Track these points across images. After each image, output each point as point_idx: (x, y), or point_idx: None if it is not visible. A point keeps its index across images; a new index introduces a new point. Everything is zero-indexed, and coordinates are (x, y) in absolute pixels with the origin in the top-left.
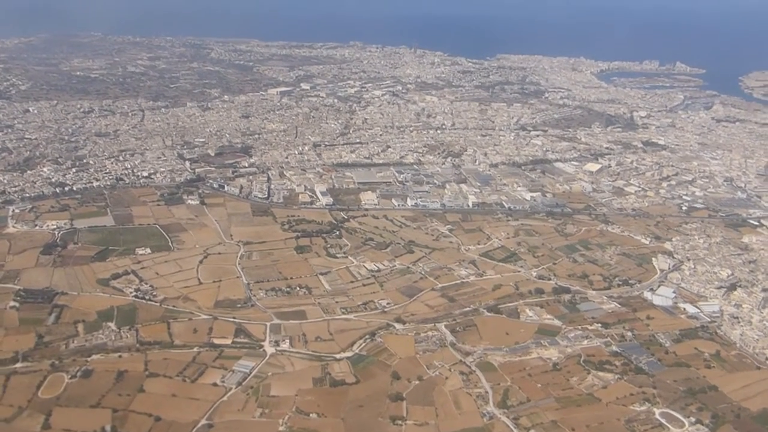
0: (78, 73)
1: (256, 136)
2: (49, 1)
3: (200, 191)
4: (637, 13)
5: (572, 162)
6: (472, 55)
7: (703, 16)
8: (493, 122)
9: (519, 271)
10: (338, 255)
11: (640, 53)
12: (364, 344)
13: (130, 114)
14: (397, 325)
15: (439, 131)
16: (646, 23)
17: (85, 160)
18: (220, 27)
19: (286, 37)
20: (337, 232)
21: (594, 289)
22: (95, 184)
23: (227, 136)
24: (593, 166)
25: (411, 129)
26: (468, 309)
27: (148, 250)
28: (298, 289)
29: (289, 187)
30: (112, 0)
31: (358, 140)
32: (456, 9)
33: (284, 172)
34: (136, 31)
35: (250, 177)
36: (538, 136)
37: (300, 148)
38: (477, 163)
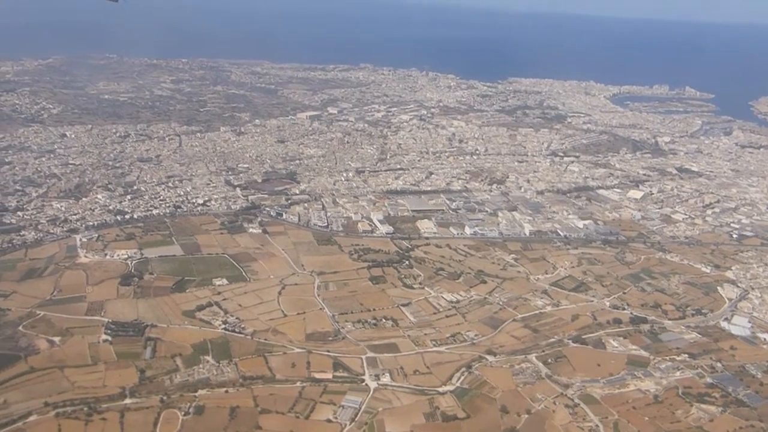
0: (106, 96)
1: (297, 161)
2: (66, 22)
3: (260, 219)
4: (635, 35)
5: (614, 189)
6: (483, 78)
7: (703, 35)
8: (525, 148)
9: (592, 301)
10: (414, 286)
11: (649, 77)
12: (462, 377)
13: (166, 139)
14: (489, 357)
15: (474, 157)
16: (644, 44)
17: (135, 187)
18: (229, 48)
19: (296, 59)
20: (407, 262)
21: (669, 319)
22: (155, 212)
23: (268, 161)
24: (637, 193)
25: (446, 155)
26: (553, 340)
27: (225, 281)
28: (383, 321)
29: (345, 215)
30: (125, 23)
31: (398, 166)
32: (459, 32)
33: (337, 200)
34: (151, 52)
35: (305, 204)
36: (572, 162)
37: (344, 175)
38: (522, 190)
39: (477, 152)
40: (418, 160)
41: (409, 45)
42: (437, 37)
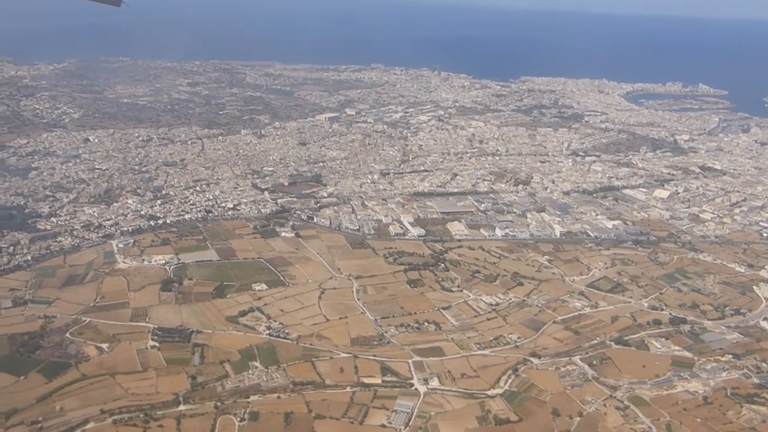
0: (125, 100)
1: (321, 164)
2: (74, 26)
3: (291, 223)
4: (644, 31)
5: (640, 188)
6: (495, 77)
7: (713, 32)
8: (545, 148)
9: (629, 302)
10: (453, 289)
11: (662, 74)
12: (509, 380)
13: (189, 142)
14: (534, 360)
15: (496, 158)
16: (653, 41)
17: (164, 191)
18: (240, 50)
19: (307, 59)
20: (443, 265)
21: (708, 319)
22: (186, 216)
23: (292, 164)
24: (663, 193)
25: (468, 156)
26: (595, 342)
27: (264, 286)
28: (426, 324)
29: (375, 218)
30: (135, 26)
31: (422, 168)
32: (464, 30)
33: (365, 202)
34: (163, 55)
35: (335, 208)
36: (594, 161)
37: (370, 177)
38: (549, 191)
39: (498, 153)
40: (441, 162)
41: (416, 44)
42: (443, 36)
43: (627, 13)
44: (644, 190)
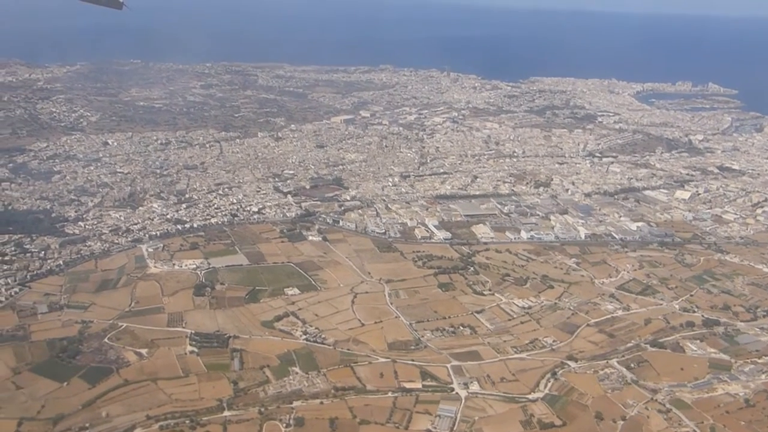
0: (141, 103)
1: (341, 167)
2: (80, 27)
3: (317, 227)
4: (650, 30)
5: (660, 190)
6: (504, 78)
7: (714, 30)
8: (561, 149)
9: (660, 304)
10: (485, 292)
11: (671, 74)
12: (549, 384)
13: (207, 145)
14: (571, 363)
15: (514, 159)
16: (660, 39)
17: (187, 195)
18: (249, 51)
19: (315, 61)
20: (472, 268)
21: (741, 321)
22: (212, 220)
23: (312, 167)
24: (684, 194)
25: (486, 157)
26: (630, 345)
27: (297, 291)
28: (461, 328)
29: (400, 221)
30: (145, 29)
31: (441, 170)
32: (470, 30)
33: (389, 206)
34: (175, 57)
35: (359, 211)
36: (612, 163)
37: (390, 180)
38: (570, 192)
39: (515, 154)
40: (459, 164)
41: (422, 45)
42: (448, 37)
43: (629, 11)
44: (665, 191)
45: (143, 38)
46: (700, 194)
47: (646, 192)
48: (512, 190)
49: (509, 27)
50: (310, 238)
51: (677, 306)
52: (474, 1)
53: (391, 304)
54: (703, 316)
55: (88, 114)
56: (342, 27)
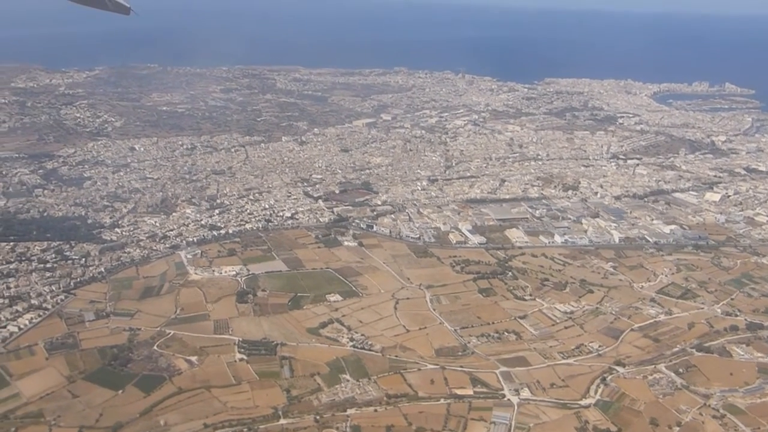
0: (164, 108)
1: (368, 171)
2: (94, 33)
3: (352, 232)
4: (660, 29)
5: (690, 192)
6: (519, 80)
7: (727, 29)
8: (585, 151)
9: (702, 308)
10: (526, 297)
11: (687, 74)
12: (599, 389)
13: (232, 150)
14: (619, 369)
15: (539, 162)
16: (672, 39)
17: (218, 201)
18: (263, 54)
19: (329, 63)
20: (510, 273)
21: None
22: (247, 226)
23: (339, 171)
24: (714, 196)
25: (511, 160)
26: (676, 349)
27: (339, 297)
28: (506, 334)
29: (433, 226)
30: (158, 33)
31: (468, 174)
32: (482, 31)
33: (420, 210)
34: (193, 61)
35: (392, 216)
36: (637, 165)
37: (418, 184)
38: (599, 196)
39: (539, 157)
40: (485, 167)
41: (433, 46)
42: (458, 38)
43: (628, 10)
44: (694, 193)
45: (158, 43)
46: (730, 196)
47: (676, 194)
48: (541, 193)
49: (518, 28)
50: (346, 243)
51: (719, 310)
52: (475, 2)
53: (434, 310)
54: (746, 319)
55: (113, 119)
56: (352, 28)
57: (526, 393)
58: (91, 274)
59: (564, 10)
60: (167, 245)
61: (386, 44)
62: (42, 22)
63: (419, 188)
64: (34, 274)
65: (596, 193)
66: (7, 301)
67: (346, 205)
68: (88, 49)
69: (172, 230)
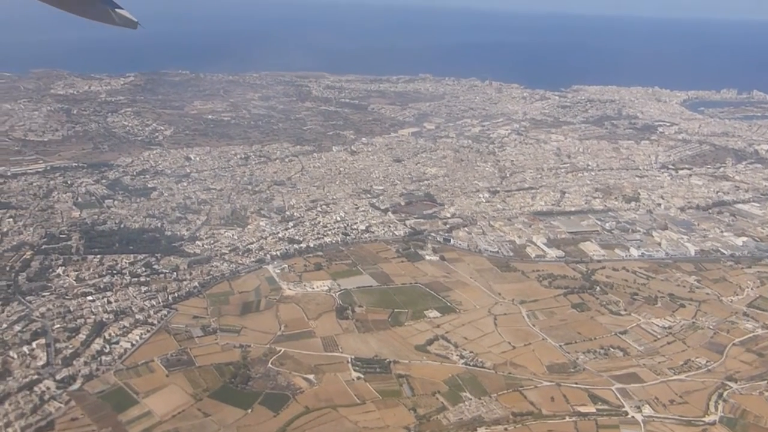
0: (209, 116)
1: (426, 182)
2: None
3: (431, 246)
4: (679, 36)
5: (752, 203)
6: (546, 87)
7: (745, 35)
8: (634, 161)
9: None
10: (621, 312)
11: (713, 81)
12: (719, 406)
13: (286, 160)
14: (732, 384)
15: (593, 173)
16: (690, 45)
17: (288, 213)
18: (287, 60)
19: (351, 69)
20: (599, 288)
21: None
22: (326, 239)
23: (399, 183)
24: None
25: (563, 171)
26: None
27: (437, 313)
28: (611, 350)
29: (507, 239)
30: (176, 37)
31: (526, 185)
32: (494, 35)
33: (491, 223)
34: (219, 68)
35: (466, 229)
36: (690, 175)
37: (481, 195)
38: (663, 207)
39: (589, 167)
40: (540, 177)
41: (448, 52)
42: (473, 43)
43: (633, 14)
44: (757, 204)
45: (175, 48)
46: None
47: (738, 206)
48: (604, 205)
49: (531, 33)
50: (427, 257)
51: None
52: (481, 6)
53: (533, 326)
54: None
55: (162, 128)
56: (366, 32)
57: (648, 410)
58: (186, 289)
59: (570, 14)
60: (252, 259)
61: (400, 51)
62: (43, 28)
63: (483, 200)
64: (130, 288)
65: (659, 205)
66: (111, 315)
67: (416, 218)
68: (106, 54)
69: (251, 243)
